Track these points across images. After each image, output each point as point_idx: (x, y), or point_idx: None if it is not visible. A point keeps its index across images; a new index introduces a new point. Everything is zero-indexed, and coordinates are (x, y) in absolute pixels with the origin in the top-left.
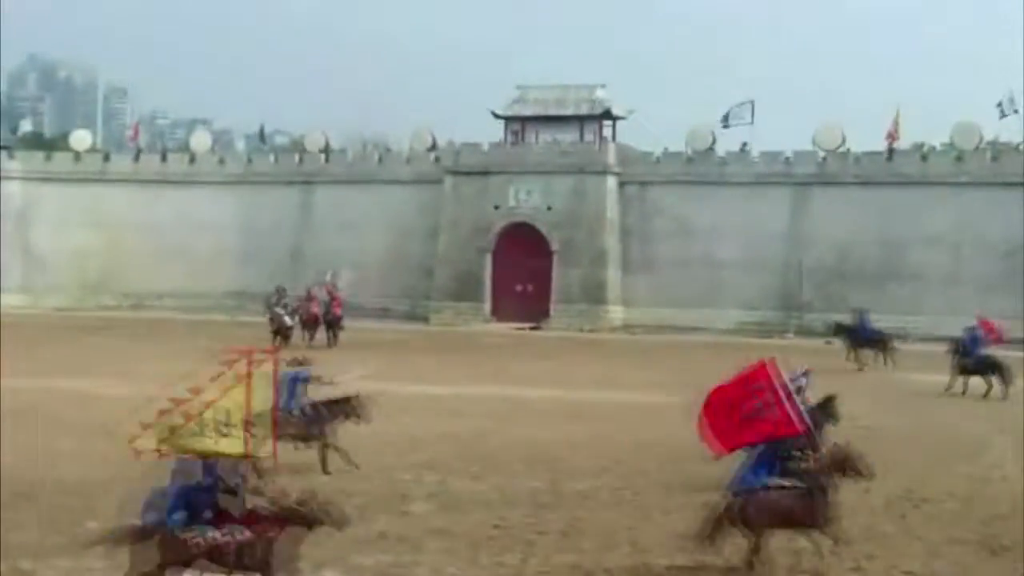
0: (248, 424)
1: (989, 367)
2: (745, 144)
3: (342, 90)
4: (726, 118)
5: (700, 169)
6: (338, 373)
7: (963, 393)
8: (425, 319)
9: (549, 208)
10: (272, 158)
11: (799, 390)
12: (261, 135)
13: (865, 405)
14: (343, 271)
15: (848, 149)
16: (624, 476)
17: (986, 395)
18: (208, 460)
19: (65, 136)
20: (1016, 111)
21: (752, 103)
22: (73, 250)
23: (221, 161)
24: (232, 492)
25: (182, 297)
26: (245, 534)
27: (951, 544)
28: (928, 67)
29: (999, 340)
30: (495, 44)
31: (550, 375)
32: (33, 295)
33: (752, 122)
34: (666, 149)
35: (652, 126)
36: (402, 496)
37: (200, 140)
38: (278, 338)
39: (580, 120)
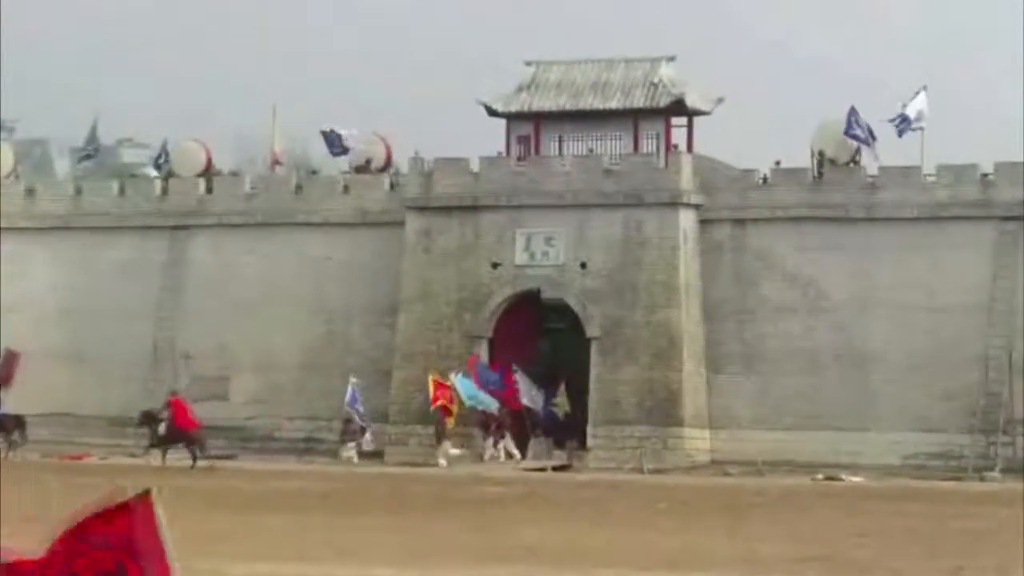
0: None
1: None
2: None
3: (236, 71)
4: (903, 122)
5: (837, 196)
6: None
7: None
8: (377, 455)
9: (583, 266)
10: (116, 187)
11: None
12: (92, 146)
13: None
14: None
15: None
16: None
17: None
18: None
19: None
20: None
21: (924, 89)
22: None
23: (30, 192)
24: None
25: None
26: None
27: None
28: None
29: None
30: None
31: (589, 548)
32: None
33: (921, 120)
34: (778, 163)
35: (750, 125)
36: None
37: None
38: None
39: (634, 117)
